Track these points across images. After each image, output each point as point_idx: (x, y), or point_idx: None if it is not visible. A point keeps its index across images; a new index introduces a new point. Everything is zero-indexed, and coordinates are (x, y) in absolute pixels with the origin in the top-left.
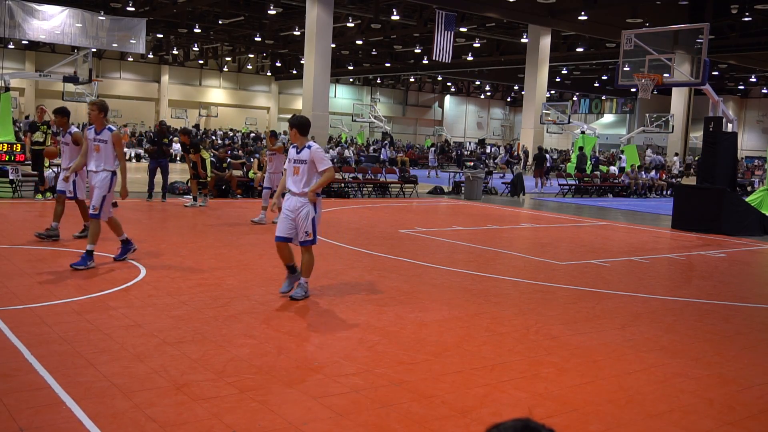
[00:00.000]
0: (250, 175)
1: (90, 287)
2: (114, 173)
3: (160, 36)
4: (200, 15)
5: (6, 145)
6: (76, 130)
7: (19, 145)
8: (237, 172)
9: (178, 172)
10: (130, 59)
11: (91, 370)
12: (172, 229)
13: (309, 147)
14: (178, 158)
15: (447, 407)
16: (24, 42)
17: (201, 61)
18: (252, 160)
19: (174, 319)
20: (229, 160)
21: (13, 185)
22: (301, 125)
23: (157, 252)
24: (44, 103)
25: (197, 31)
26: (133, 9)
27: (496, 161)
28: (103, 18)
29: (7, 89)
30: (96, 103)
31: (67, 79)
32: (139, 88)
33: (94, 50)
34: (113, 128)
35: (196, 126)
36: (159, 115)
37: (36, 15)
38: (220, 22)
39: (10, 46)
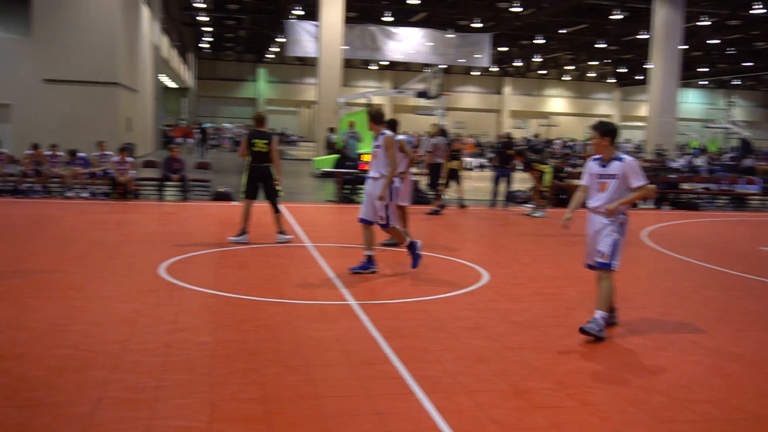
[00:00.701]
0: None
1: (437, 289)
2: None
3: (504, 49)
4: (542, 26)
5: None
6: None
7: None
8: (577, 182)
9: (519, 181)
10: (475, 73)
11: (438, 366)
12: (514, 237)
13: (620, 159)
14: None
15: None
16: (383, 62)
17: (542, 71)
18: None
19: (514, 324)
20: (567, 169)
21: None
22: (611, 132)
23: (499, 259)
24: (399, 117)
25: (539, 41)
26: (479, 25)
27: None
28: (452, 36)
29: (369, 105)
30: (369, 112)
31: (419, 95)
32: (482, 100)
33: (444, 66)
34: (386, 132)
35: (536, 136)
36: (501, 125)
37: (393, 37)
38: (562, 31)
39: (372, 67)
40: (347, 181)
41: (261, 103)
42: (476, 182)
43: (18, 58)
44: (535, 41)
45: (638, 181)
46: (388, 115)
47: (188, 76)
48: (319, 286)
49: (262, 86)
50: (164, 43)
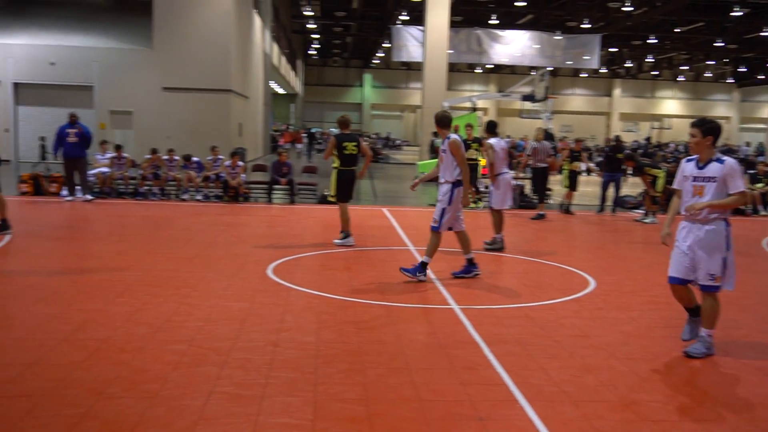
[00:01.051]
0: None
1: (542, 294)
2: (455, 184)
3: (613, 50)
4: (655, 25)
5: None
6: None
7: (483, 160)
8: None
9: (630, 186)
10: (583, 75)
11: (542, 373)
12: (622, 244)
13: (721, 161)
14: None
15: None
16: (489, 66)
17: (654, 72)
18: None
19: (623, 334)
20: None
21: (478, 196)
22: (714, 130)
23: (607, 266)
24: (504, 121)
25: (652, 41)
26: (588, 26)
27: None
28: (560, 37)
29: (474, 109)
30: (435, 116)
31: (525, 98)
32: (590, 102)
33: (551, 69)
34: (452, 136)
35: (647, 139)
36: (609, 129)
37: (500, 40)
38: (677, 30)
39: (477, 70)
40: None
41: (366, 108)
42: (583, 187)
43: (140, 68)
44: (648, 41)
45: (737, 186)
46: (492, 117)
47: (296, 83)
48: (422, 290)
49: (368, 91)
50: (274, 50)
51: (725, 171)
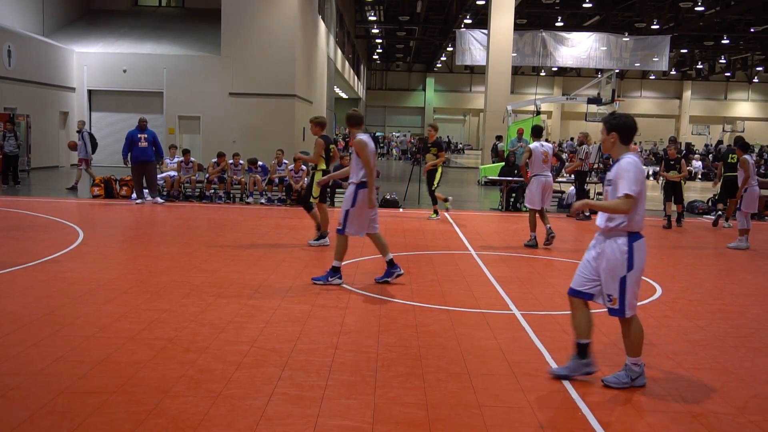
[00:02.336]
0: None
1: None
2: (359, 186)
3: (684, 51)
4: (729, 25)
5: None
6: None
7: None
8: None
9: (699, 191)
10: (652, 77)
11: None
12: (689, 250)
13: (620, 161)
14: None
15: None
16: (553, 68)
17: (727, 74)
18: None
19: (690, 343)
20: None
21: None
22: (618, 127)
23: (674, 272)
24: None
25: (725, 42)
26: (657, 27)
27: None
28: (627, 39)
29: (538, 113)
30: (346, 114)
31: (590, 101)
32: (659, 105)
33: (618, 71)
34: (359, 136)
35: (719, 142)
36: (679, 132)
37: (565, 43)
38: (752, 30)
39: (541, 73)
40: (513, 189)
41: (429, 112)
42: (650, 192)
43: (208, 74)
44: (721, 42)
45: (622, 188)
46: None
47: (359, 87)
48: (483, 294)
49: (430, 95)
50: (338, 55)
51: (616, 172)
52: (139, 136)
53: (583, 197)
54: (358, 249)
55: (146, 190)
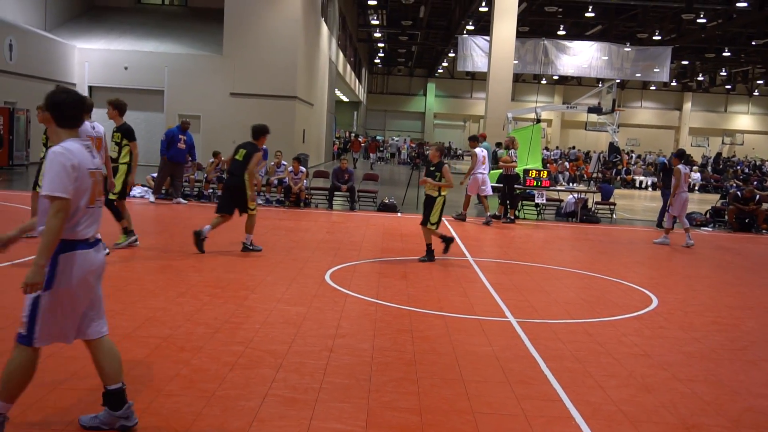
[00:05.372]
0: None
1: (602, 311)
2: None
3: (685, 63)
4: (730, 38)
5: (535, 171)
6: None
7: (545, 172)
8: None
9: (697, 203)
10: (652, 88)
11: (599, 392)
12: (688, 262)
13: None
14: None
15: None
16: (554, 77)
17: (728, 86)
18: None
19: (685, 355)
20: (758, 194)
21: (538, 208)
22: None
23: (671, 284)
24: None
25: (726, 54)
26: (659, 38)
27: None
28: (629, 49)
29: (538, 121)
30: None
31: (591, 110)
32: (659, 116)
33: (618, 81)
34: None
35: (718, 155)
36: (678, 143)
37: (567, 51)
38: (754, 43)
39: (542, 81)
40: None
41: (429, 117)
42: (648, 202)
43: (209, 73)
44: (723, 54)
45: (45, 187)
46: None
47: (360, 90)
48: (479, 301)
49: (431, 100)
50: (340, 58)
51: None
52: (179, 136)
53: (515, 201)
54: (356, 252)
55: (163, 191)
